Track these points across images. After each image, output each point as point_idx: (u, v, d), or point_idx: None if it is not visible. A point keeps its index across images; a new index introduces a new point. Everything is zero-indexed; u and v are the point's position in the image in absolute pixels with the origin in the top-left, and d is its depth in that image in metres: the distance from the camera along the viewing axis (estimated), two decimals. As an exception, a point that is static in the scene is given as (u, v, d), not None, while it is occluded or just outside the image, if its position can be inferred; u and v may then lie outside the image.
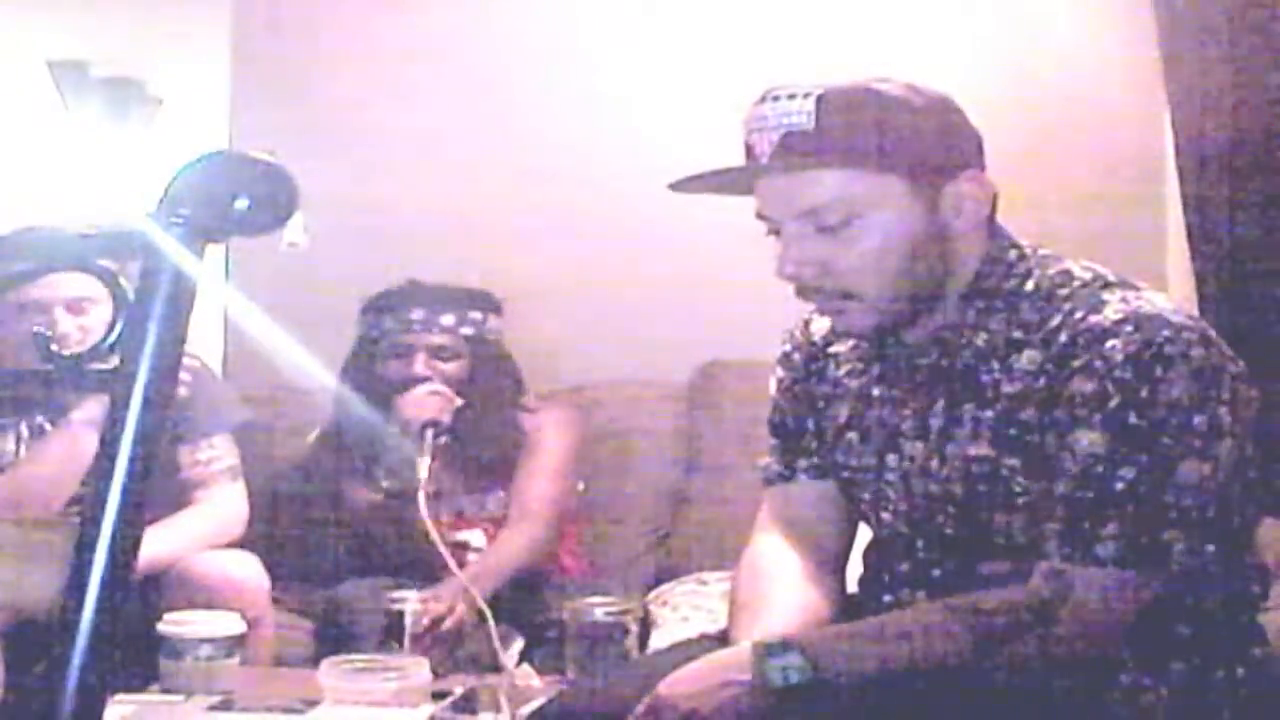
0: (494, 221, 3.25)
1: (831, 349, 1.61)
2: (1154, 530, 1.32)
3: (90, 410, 2.42)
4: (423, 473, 2.48)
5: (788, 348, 1.67)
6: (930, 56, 3.24)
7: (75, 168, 3.77)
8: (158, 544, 2.41)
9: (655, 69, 3.34)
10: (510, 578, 2.57)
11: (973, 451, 1.43)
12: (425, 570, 2.57)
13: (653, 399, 3.19)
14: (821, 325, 1.62)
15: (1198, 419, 1.32)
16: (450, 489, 2.76)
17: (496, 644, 2.27)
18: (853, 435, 1.56)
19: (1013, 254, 1.47)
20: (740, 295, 3.10)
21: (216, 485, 2.69)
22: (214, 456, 2.69)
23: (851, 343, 1.58)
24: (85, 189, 3.68)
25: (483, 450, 2.75)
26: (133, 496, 0.81)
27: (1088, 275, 1.43)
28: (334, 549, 2.84)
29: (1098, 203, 3.10)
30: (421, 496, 2.40)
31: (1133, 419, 1.32)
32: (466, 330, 2.73)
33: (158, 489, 0.83)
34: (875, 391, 1.54)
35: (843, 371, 1.59)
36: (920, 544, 1.50)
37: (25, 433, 2.55)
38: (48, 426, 2.54)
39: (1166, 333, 1.33)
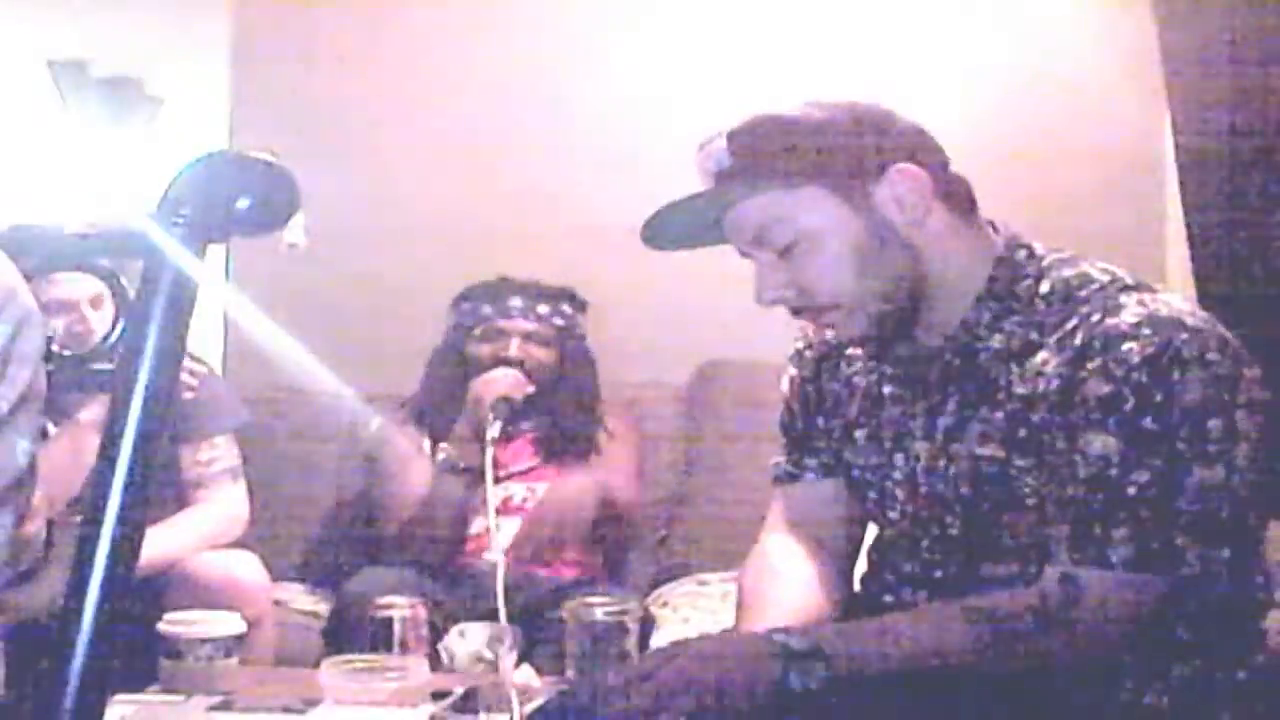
0: (494, 221, 3.25)
1: (844, 348, 1.62)
2: (1166, 534, 1.31)
3: (96, 411, 2.42)
4: (493, 434, 2.58)
5: (800, 345, 1.68)
6: (930, 58, 3.24)
7: (75, 168, 3.76)
8: (158, 544, 2.41)
9: (658, 71, 3.34)
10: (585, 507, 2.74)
11: (982, 452, 1.42)
12: (441, 560, 2.66)
13: (652, 399, 3.19)
14: None
15: (1213, 423, 1.31)
16: (509, 473, 2.84)
17: (486, 643, 2.29)
18: (861, 434, 1.57)
19: (1021, 254, 1.47)
20: (740, 295, 3.10)
21: (217, 485, 2.70)
22: (215, 457, 2.70)
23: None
24: (85, 189, 3.67)
25: (556, 439, 2.87)
26: (133, 496, 0.81)
27: (1105, 278, 1.43)
28: (354, 538, 2.91)
29: (1098, 203, 3.10)
30: (489, 455, 2.47)
31: (1147, 423, 1.31)
32: (559, 321, 2.90)
33: (159, 489, 0.83)
34: (886, 391, 1.55)
35: (854, 370, 1.60)
36: (925, 544, 1.50)
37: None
38: (50, 427, 2.54)
39: (1183, 336, 1.32)
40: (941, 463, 1.46)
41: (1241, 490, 1.32)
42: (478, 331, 2.88)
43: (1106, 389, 1.33)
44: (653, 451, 3.09)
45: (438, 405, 2.86)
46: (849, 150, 1.44)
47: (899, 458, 1.52)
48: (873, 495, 1.56)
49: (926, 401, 1.49)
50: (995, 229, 1.50)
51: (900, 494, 1.52)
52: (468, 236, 3.22)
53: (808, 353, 1.66)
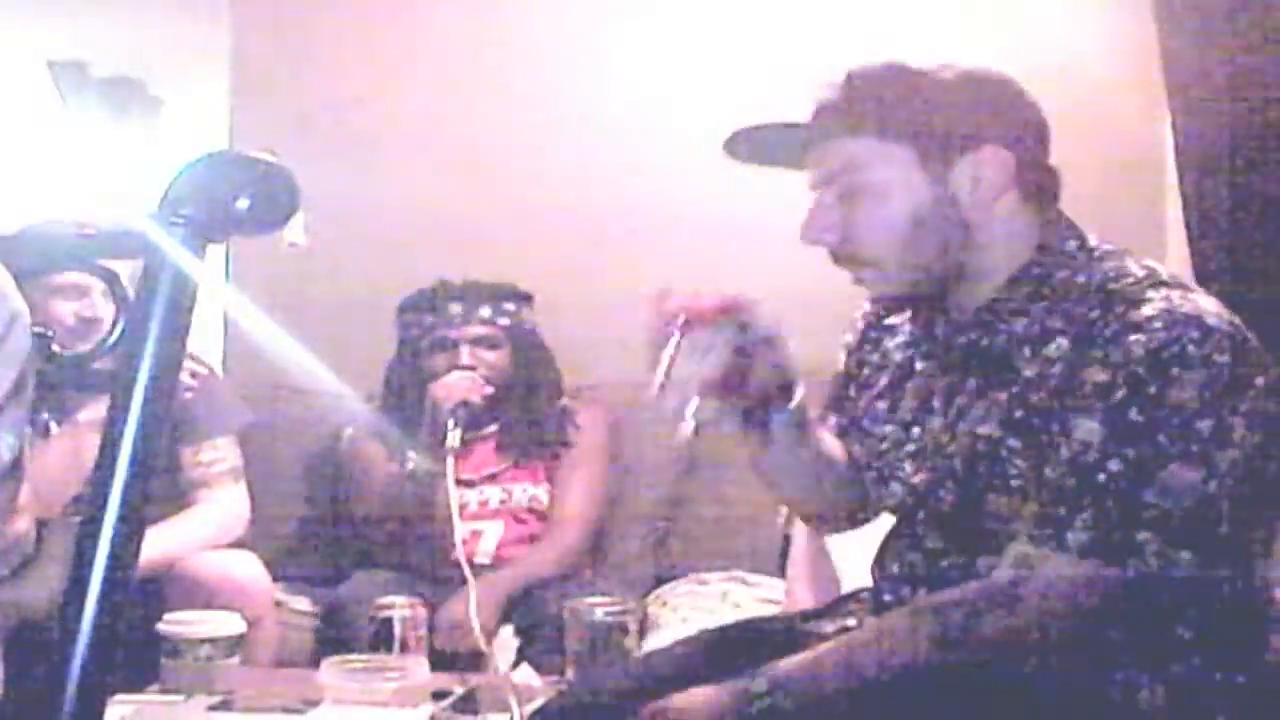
0: (493, 222, 3.25)
1: (889, 320, 1.64)
2: (1128, 527, 1.30)
3: (96, 411, 2.43)
4: (453, 442, 2.56)
5: (856, 314, 1.70)
6: (930, 58, 3.24)
7: (75, 168, 3.76)
8: (159, 545, 2.41)
9: (657, 71, 3.34)
10: (533, 582, 2.68)
11: (979, 430, 1.43)
12: (434, 564, 2.65)
13: (653, 399, 3.18)
14: None
15: (1203, 424, 1.29)
16: (480, 477, 2.83)
17: (485, 646, 2.29)
18: (884, 405, 1.58)
19: (1072, 244, 1.47)
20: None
21: (219, 486, 2.70)
22: (217, 458, 2.70)
23: (907, 315, 1.60)
24: (85, 189, 3.67)
25: (521, 439, 2.86)
26: (133, 496, 0.81)
27: (1141, 273, 1.42)
28: (347, 541, 2.90)
29: (1098, 202, 3.09)
30: (450, 463, 2.47)
31: (1134, 413, 1.30)
32: (504, 320, 2.86)
33: (160, 489, 0.83)
34: (917, 365, 1.56)
35: (893, 343, 1.62)
36: (921, 525, 1.50)
37: (28, 431, 2.55)
38: (53, 426, 2.54)
39: (1194, 334, 1.31)
40: (945, 438, 1.47)
41: (1221, 497, 1.29)
42: (425, 343, 2.84)
43: (1103, 376, 1.32)
44: (653, 451, 3.08)
45: (397, 415, 2.83)
46: (948, 118, 1.45)
47: (915, 431, 1.53)
48: (880, 467, 1.57)
49: (949, 379, 1.50)
50: (1062, 219, 1.51)
51: (909, 468, 1.53)
52: (468, 236, 3.21)
53: (859, 321, 1.68)
